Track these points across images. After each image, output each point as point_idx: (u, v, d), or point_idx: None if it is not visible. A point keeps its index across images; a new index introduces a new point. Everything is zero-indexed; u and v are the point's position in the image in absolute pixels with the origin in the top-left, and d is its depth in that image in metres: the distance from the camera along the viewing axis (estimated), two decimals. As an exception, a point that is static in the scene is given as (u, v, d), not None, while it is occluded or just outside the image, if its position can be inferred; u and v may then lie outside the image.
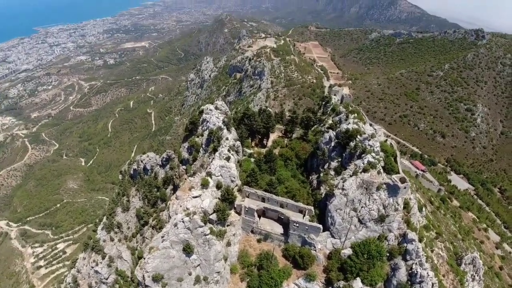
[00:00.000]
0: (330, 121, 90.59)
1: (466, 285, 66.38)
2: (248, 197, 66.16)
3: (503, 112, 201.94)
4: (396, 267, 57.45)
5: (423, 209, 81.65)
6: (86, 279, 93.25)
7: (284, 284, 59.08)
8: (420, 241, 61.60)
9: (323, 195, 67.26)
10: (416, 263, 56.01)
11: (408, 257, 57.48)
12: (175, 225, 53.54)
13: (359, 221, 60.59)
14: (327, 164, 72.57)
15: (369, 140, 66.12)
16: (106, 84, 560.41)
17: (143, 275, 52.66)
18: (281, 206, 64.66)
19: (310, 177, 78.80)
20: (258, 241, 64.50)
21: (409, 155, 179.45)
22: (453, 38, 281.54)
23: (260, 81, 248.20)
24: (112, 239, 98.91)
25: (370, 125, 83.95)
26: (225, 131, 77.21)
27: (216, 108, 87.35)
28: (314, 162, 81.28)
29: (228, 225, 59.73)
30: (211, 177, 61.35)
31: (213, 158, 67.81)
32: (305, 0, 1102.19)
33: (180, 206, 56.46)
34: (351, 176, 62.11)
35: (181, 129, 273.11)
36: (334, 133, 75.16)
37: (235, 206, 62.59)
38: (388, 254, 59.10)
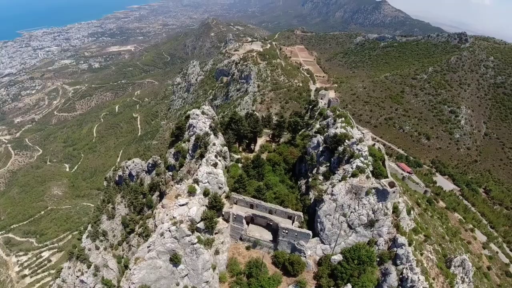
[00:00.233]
0: (317, 125, 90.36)
1: (456, 287, 66.42)
2: (236, 203, 65.02)
3: (487, 114, 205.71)
4: (387, 272, 57.08)
5: (411, 212, 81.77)
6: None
7: (274, 291, 58.17)
8: (409, 244, 61.38)
9: (312, 200, 66.66)
10: (406, 268, 55.75)
11: (398, 262, 57.19)
12: (162, 234, 52.04)
13: (349, 226, 60.13)
14: (316, 169, 72.11)
15: (357, 144, 65.89)
16: (91, 88, 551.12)
17: (129, 287, 50.97)
18: (270, 212, 63.73)
19: (299, 182, 78.15)
20: (247, 248, 63.37)
21: (395, 157, 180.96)
22: (437, 42, 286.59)
23: (246, 85, 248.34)
24: (97, 248, 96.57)
25: (357, 128, 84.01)
26: (212, 136, 76.06)
27: (203, 113, 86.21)
28: (302, 167, 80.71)
29: (216, 233, 58.47)
30: (198, 184, 60.03)
31: (200, 164, 66.51)
32: (291, 4, 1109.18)
33: (167, 214, 54.97)
34: (340, 181, 61.66)
35: (167, 134, 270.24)
36: (322, 138, 74.79)
37: (223, 213, 61.37)
38: (378, 259, 58.73)
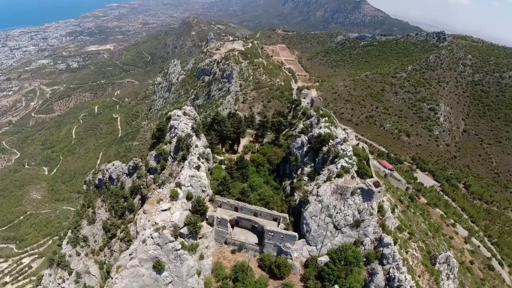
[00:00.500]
0: (301, 125, 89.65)
1: (441, 284, 67.09)
2: (220, 206, 63.61)
3: (465, 111, 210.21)
4: (374, 272, 56.87)
5: (395, 210, 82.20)
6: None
7: (261, 295, 57.14)
8: (395, 243, 61.38)
9: (297, 201, 65.85)
10: (393, 267, 55.67)
11: (385, 261, 57.06)
12: (144, 241, 50.17)
13: (335, 227, 59.67)
14: (300, 169, 71.38)
15: (341, 144, 65.47)
16: (69, 88, 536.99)
17: (111, 296, 49.03)
18: (255, 214, 62.61)
19: (283, 183, 77.29)
20: (232, 252, 62.06)
21: (376, 155, 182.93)
22: (416, 41, 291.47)
23: (229, 84, 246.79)
24: (78, 254, 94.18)
25: (341, 128, 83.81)
26: (194, 138, 74.28)
27: (185, 113, 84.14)
28: (286, 167, 79.89)
29: (200, 238, 56.89)
30: (180, 188, 58.28)
31: (182, 167, 64.71)
32: (272, 3, 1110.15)
33: (148, 220, 53.04)
34: (325, 181, 61.07)
35: (148, 134, 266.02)
36: (306, 138, 74.09)
37: (207, 217, 59.83)
38: (365, 259, 58.52)
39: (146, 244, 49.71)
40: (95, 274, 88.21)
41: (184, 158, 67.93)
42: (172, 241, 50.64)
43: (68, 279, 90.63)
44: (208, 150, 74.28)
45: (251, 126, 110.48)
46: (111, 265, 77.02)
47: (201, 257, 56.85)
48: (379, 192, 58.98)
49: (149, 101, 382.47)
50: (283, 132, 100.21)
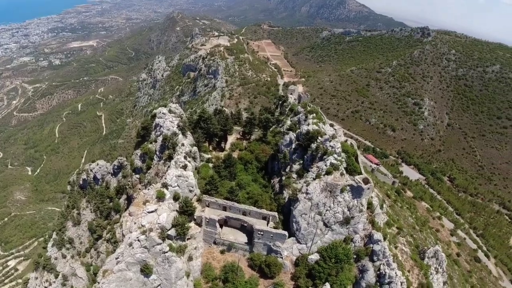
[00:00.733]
0: (288, 122, 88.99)
1: (430, 278, 67.53)
2: (208, 206, 62.41)
3: (449, 105, 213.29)
4: (364, 269, 56.74)
5: (384, 205, 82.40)
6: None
7: (251, 295, 56.43)
8: (384, 239, 61.34)
9: (286, 199, 65.28)
10: (383, 264, 55.58)
11: (375, 258, 56.92)
12: (130, 244, 48.69)
13: (325, 224, 59.23)
14: (289, 167, 70.71)
15: (330, 141, 64.93)
16: (51, 86, 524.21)
17: (97, 302, 47.55)
18: (244, 214, 61.67)
19: (272, 181, 76.55)
20: (222, 252, 61.06)
21: (362, 149, 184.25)
22: (400, 36, 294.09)
23: (214, 80, 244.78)
24: (64, 256, 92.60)
25: (329, 124, 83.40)
26: (180, 136, 72.69)
27: (170, 111, 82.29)
28: (275, 165, 79.12)
29: (188, 239, 55.61)
30: (167, 189, 56.76)
31: (169, 166, 63.22)
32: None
33: (135, 223, 51.46)
34: (314, 179, 60.46)
35: (134, 132, 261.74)
36: (295, 135, 73.39)
37: (195, 217, 58.52)
38: (355, 256, 58.33)
39: (133, 248, 48.27)
40: (82, 276, 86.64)
41: (170, 157, 66.42)
42: (160, 244, 49.28)
43: (54, 282, 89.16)
44: (195, 148, 72.82)
45: (238, 123, 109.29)
46: (98, 266, 75.62)
47: (190, 258, 55.67)
48: (368, 188, 58.72)
49: (133, 98, 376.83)
50: (271, 129, 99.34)
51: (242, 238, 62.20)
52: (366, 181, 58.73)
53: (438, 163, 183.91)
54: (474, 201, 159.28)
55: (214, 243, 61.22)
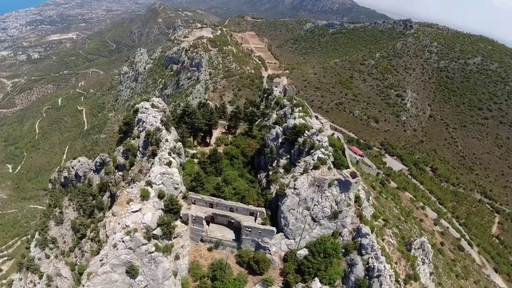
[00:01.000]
0: (274, 115, 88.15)
1: (417, 269, 68.28)
2: (194, 203, 61.11)
3: (431, 97, 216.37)
4: (353, 263, 56.71)
5: (370, 197, 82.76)
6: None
7: (241, 292, 55.76)
8: (371, 232, 61.50)
9: (274, 194, 64.51)
10: (372, 257, 55.61)
11: (363, 252, 56.94)
12: (114, 246, 47.06)
13: (313, 219, 58.83)
14: (276, 161, 69.91)
15: (317, 135, 64.32)
16: (31, 80, 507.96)
17: (82, 305, 46.02)
18: (231, 210, 60.68)
19: (259, 176, 75.70)
20: (209, 249, 60.02)
21: (346, 141, 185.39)
22: (383, 28, 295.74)
23: (198, 73, 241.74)
24: (48, 256, 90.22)
25: (316, 117, 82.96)
26: (164, 131, 70.68)
27: (153, 105, 79.69)
28: (261, 159, 78.22)
29: (175, 237, 54.28)
30: (151, 187, 55.08)
31: (153, 163, 61.37)
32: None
33: (118, 223, 49.73)
34: (302, 174, 59.84)
35: (116, 126, 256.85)
36: (281, 129, 72.50)
37: (181, 215, 57.14)
38: (343, 250, 58.22)
39: (117, 249, 46.71)
40: (67, 276, 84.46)
41: (154, 154, 64.50)
42: (145, 244, 47.84)
43: (39, 283, 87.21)
44: (179, 144, 71.00)
45: (223, 117, 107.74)
46: (83, 266, 73.89)
47: (177, 257, 54.43)
48: (356, 182, 58.53)
49: (115, 92, 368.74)
50: (256, 123, 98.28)
51: (229, 234, 61.26)
52: (353, 175, 58.47)
53: (420, 154, 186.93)
54: (456, 190, 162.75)
55: (201, 240, 60.11)
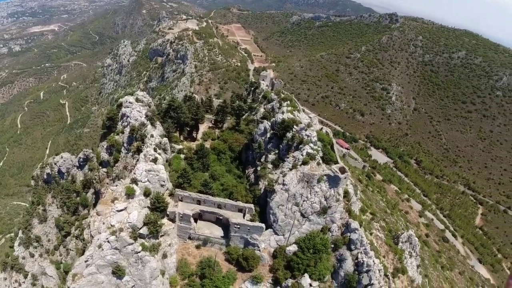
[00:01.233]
0: (262, 109, 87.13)
1: (405, 262, 68.83)
2: (181, 200, 59.82)
3: (415, 90, 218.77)
4: (342, 258, 56.63)
5: (357, 191, 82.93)
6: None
7: (230, 289, 55.14)
8: (360, 226, 61.49)
9: (262, 190, 63.73)
10: (361, 252, 55.65)
11: (352, 247, 56.91)
12: (99, 246, 45.59)
13: (302, 215, 58.37)
14: (264, 156, 69.01)
15: (305, 130, 63.61)
16: (12, 74, 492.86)
17: (67, 307, 44.63)
18: (219, 207, 59.68)
19: (247, 171, 74.75)
20: (197, 247, 59.02)
21: (332, 134, 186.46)
22: (369, 22, 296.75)
23: (183, 65, 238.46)
24: (32, 255, 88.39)
25: (303, 111, 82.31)
26: (149, 126, 68.85)
27: (137, 100, 77.33)
28: (249, 154, 77.24)
29: (162, 236, 53.02)
30: (136, 184, 53.52)
31: (138, 160, 59.70)
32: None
33: (103, 223, 48.15)
34: (290, 169, 59.15)
35: (99, 120, 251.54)
36: (269, 124, 71.51)
37: (168, 213, 55.83)
38: (332, 246, 58.07)
39: (103, 249, 45.29)
40: (52, 275, 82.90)
41: (139, 150, 62.70)
42: (131, 244, 46.51)
43: (24, 282, 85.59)
44: (165, 139, 69.31)
45: (210, 111, 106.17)
46: (68, 264, 72.62)
47: (164, 256, 53.31)
48: (345, 178, 58.28)
49: (98, 85, 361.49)
50: (244, 117, 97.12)
51: (218, 231, 60.36)
52: (342, 170, 58.15)
53: (405, 147, 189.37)
54: (440, 182, 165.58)
55: (189, 238, 59.05)
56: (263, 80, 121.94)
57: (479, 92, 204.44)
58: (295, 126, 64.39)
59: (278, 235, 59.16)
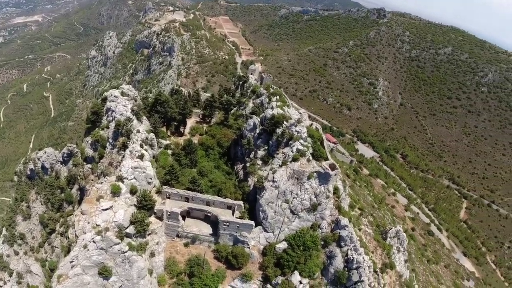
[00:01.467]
0: (251, 104, 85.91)
1: (393, 257, 69.22)
2: (169, 198, 58.51)
3: (402, 85, 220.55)
4: (332, 255, 56.52)
5: (346, 187, 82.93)
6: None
7: (219, 288, 54.46)
8: (349, 221, 61.32)
9: (252, 187, 62.90)
10: (351, 249, 55.61)
11: (342, 244, 56.83)
12: (85, 246, 44.14)
13: (292, 212, 57.94)
14: (253, 152, 68.07)
15: (295, 126, 62.87)
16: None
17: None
18: (208, 204, 58.68)
19: (235, 167, 73.78)
20: (186, 245, 58.03)
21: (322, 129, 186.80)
22: (357, 16, 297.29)
23: (170, 58, 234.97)
24: (16, 253, 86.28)
25: (293, 106, 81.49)
26: (135, 121, 67.10)
27: (123, 93, 75.21)
28: (238, 150, 76.17)
29: (149, 234, 51.80)
30: (122, 182, 51.97)
31: (123, 156, 58.11)
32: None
33: (88, 222, 46.61)
34: (280, 166, 58.49)
35: (84, 113, 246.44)
36: (259, 119, 70.46)
37: (155, 211, 54.52)
38: (322, 242, 57.93)
39: (88, 250, 43.88)
40: (38, 272, 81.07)
41: (124, 146, 61.03)
42: (118, 243, 45.20)
43: (9, 280, 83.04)
44: (152, 135, 67.50)
45: (198, 105, 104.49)
46: (54, 262, 71.40)
47: (152, 255, 52.18)
48: (335, 174, 57.95)
49: (83, 77, 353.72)
50: (232, 111, 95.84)
51: (206, 229, 59.46)
52: (332, 167, 57.79)
53: (391, 141, 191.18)
54: (425, 177, 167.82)
55: (177, 236, 57.98)
56: (251, 74, 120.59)
57: (464, 88, 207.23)
58: (285, 122, 63.58)
59: (267, 232, 58.63)
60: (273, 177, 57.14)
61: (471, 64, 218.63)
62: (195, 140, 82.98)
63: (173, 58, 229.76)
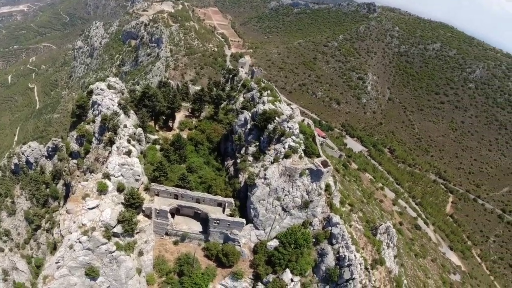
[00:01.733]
0: (241, 98, 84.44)
1: (383, 253, 69.23)
2: (157, 195, 57.10)
3: (390, 80, 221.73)
4: (324, 253, 56.07)
5: (336, 183, 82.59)
6: (-20, 297, 78.07)
7: (210, 286, 53.44)
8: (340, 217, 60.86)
9: (243, 183, 61.86)
10: (342, 246, 55.26)
11: (334, 241, 56.44)
12: (71, 247, 42.55)
13: (283, 209, 57.13)
14: (244, 148, 66.97)
15: (287, 121, 61.88)
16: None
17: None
18: (198, 201, 57.48)
19: (226, 163, 72.58)
20: (175, 243, 56.79)
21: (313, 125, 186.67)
22: (347, 11, 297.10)
23: (158, 49, 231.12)
24: (2, 250, 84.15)
25: (285, 102, 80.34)
26: (122, 116, 64.93)
27: (109, 86, 72.38)
28: (228, 145, 74.95)
29: (137, 233, 50.34)
30: (109, 179, 50.17)
31: (110, 152, 56.27)
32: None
33: (74, 222, 44.85)
34: (272, 163, 57.46)
35: (70, 105, 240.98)
36: (250, 114, 69.22)
37: (144, 209, 53.04)
38: (314, 240, 57.35)
39: (74, 250, 42.31)
40: (24, 269, 79.10)
41: (111, 141, 59.06)
42: (105, 243, 43.72)
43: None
44: (140, 130, 65.57)
45: (186, 99, 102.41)
46: (40, 259, 70.10)
47: (140, 254, 50.83)
48: (327, 172, 57.30)
49: (69, 68, 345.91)
50: (222, 106, 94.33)
51: (196, 227, 58.28)
52: (325, 164, 57.15)
53: (379, 136, 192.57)
54: (412, 171, 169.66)
55: (166, 234, 56.67)
56: (241, 67, 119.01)
57: (452, 84, 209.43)
58: (276, 118, 62.56)
59: (258, 230, 57.81)
60: (265, 174, 56.15)
61: (459, 60, 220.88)
62: (184, 135, 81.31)
63: (161, 50, 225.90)
